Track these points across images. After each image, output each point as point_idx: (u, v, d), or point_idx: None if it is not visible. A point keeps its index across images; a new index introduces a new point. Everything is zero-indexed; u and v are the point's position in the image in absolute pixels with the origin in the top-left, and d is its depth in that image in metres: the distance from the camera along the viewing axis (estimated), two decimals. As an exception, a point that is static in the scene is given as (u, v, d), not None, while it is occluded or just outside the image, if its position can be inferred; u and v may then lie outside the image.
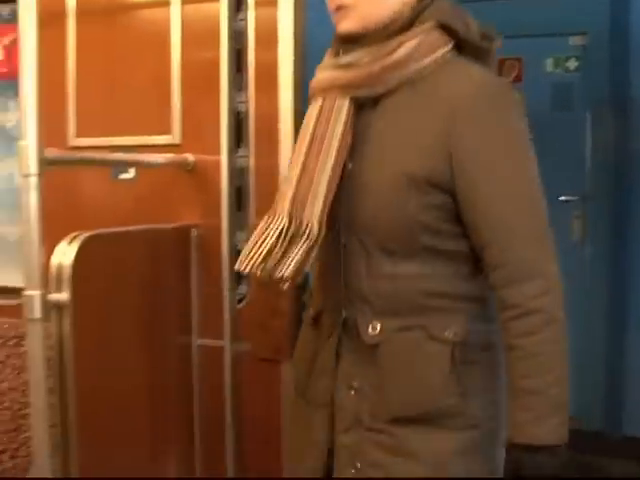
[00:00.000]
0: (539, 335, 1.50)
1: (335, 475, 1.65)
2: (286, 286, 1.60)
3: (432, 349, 1.57)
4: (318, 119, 1.61)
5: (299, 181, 1.59)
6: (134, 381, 2.15)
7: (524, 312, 1.50)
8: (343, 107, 1.59)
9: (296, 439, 1.77)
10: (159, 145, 2.43)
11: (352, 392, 1.63)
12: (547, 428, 1.49)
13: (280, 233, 1.57)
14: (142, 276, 2.18)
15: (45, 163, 1.86)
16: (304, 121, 1.64)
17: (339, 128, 1.58)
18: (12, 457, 2.50)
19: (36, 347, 1.88)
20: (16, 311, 2.59)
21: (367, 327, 1.60)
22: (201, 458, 2.41)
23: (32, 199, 1.86)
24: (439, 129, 1.53)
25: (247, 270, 1.60)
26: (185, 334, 2.34)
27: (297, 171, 1.60)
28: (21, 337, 2.56)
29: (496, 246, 1.53)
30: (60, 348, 1.93)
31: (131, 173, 2.19)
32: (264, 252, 1.58)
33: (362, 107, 1.60)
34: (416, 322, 1.58)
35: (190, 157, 2.40)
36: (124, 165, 2.18)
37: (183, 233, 2.36)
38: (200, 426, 2.41)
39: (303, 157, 1.60)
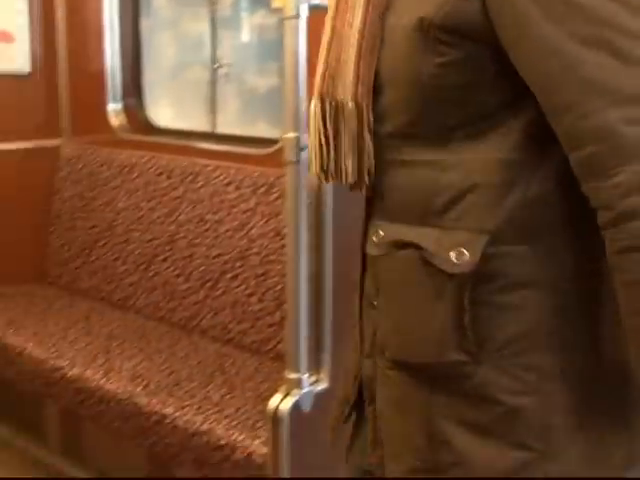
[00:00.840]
0: None
1: (365, 406, 1.32)
2: (363, 191, 1.24)
3: (427, 280, 1.13)
4: None
5: (329, 48, 1.19)
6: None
7: (620, 215, 0.99)
8: None
9: None
10: None
11: (374, 311, 1.27)
12: None
13: (317, 123, 1.21)
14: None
15: (310, 6, 1.82)
16: None
17: None
18: (260, 300, 2.58)
19: (292, 191, 1.89)
20: (267, 160, 2.64)
21: (374, 232, 1.24)
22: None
23: (296, 41, 1.83)
24: None
25: (317, 177, 1.26)
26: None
27: (327, 36, 1.21)
28: (271, 185, 2.60)
29: (573, 113, 1.00)
30: (317, 195, 1.93)
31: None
32: (316, 152, 1.23)
33: None
34: (415, 237, 1.15)
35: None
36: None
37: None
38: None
39: (331, 19, 1.20)
